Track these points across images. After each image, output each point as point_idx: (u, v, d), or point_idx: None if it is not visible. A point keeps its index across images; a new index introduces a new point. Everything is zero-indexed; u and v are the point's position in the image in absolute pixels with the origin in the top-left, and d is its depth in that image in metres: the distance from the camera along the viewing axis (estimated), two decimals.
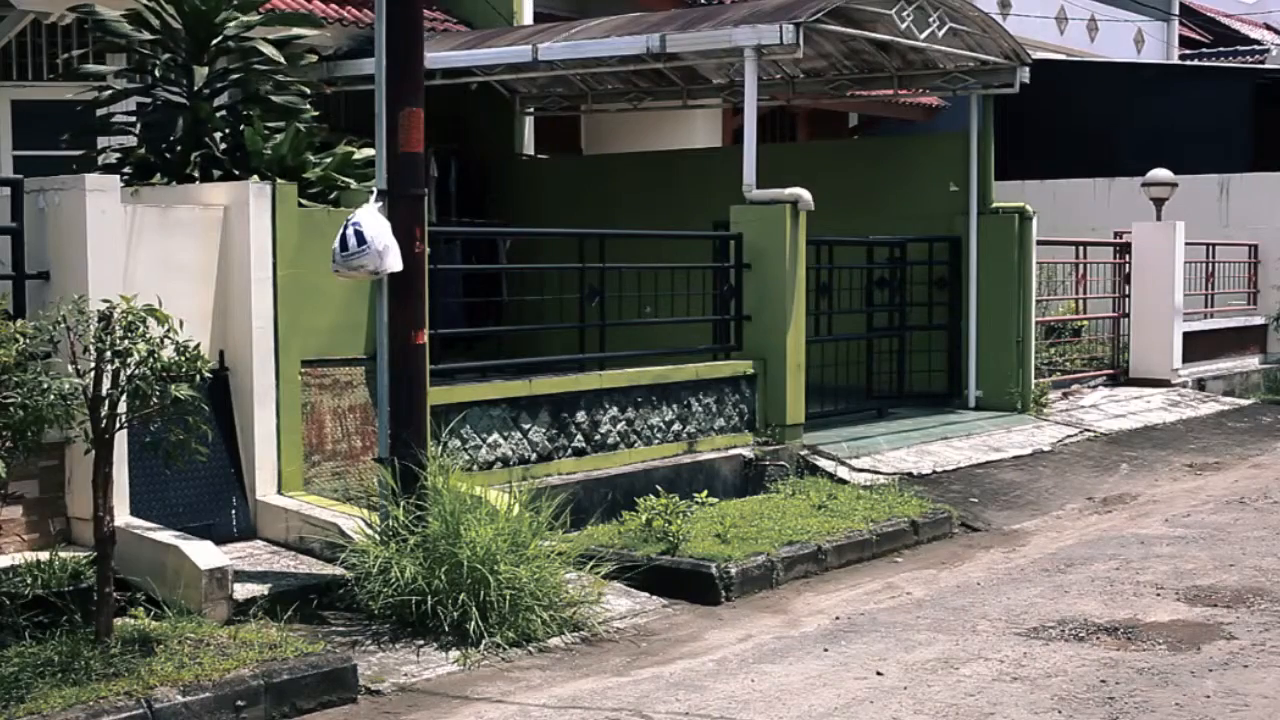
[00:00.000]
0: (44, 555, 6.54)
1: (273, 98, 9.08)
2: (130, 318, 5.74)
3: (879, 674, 6.37)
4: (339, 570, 7.09)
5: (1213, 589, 7.91)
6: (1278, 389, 17.51)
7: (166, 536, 6.83)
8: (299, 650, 6.01)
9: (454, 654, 6.55)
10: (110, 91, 9.17)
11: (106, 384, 5.74)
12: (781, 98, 15.15)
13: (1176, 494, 11.05)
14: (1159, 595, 7.79)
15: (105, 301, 5.81)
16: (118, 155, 9.01)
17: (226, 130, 8.89)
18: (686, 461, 10.09)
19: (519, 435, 9.19)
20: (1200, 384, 16.56)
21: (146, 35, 8.96)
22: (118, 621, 6.02)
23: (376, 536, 7.09)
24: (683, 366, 10.43)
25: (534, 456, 9.24)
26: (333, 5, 13.66)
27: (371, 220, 7.10)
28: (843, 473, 10.61)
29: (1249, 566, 8.44)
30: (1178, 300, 16.23)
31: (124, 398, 5.80)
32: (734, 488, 10.17)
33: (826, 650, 6.78)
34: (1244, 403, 16.31)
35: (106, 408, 5.78)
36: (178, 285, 7.47)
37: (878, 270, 12.99)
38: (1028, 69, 12.96)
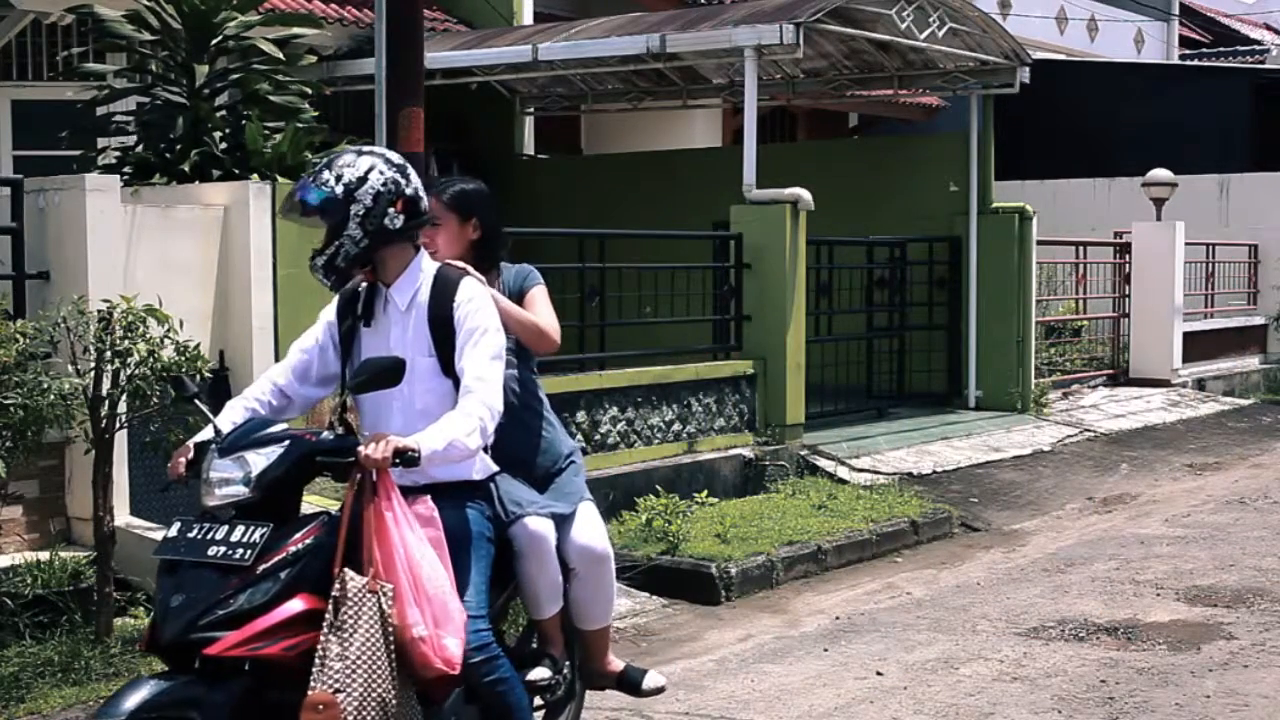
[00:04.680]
0: (44, 555, 6.53)
1: (272, 97, 9.07)
2: (130, 318, 5.75)
3: (879, 674, 6.37)
4: None
5: (1213, 589, 7.91)
6: (1278, 389, 17.51)
7: None
8: None
9: None
10: (110, 91, 9.17)
11: (106, 384, 5.74)
12: (781, 98, 15.14)
13: (1176, 494, 11.05)
14: (1159, 595, 7.79)
15: (105, 301, 5.81)
16: (117, 155, 8.99)
17: (226, 130, 8.88)
18: (686, 461, 10.08)
19: None
20: (1200, 384, 16.55)
21: (146, 35, 8.95)
22: (118, 621, 6.02)
23: None
24: (683, 366, 10.42)
25: None
26: (333, 5, 13.65)
27: None
28: (843, 473, 10.60)
29: (1249, 566, 8.44)
30: (1178, 300, 16.22)
31: (124, 398, 5.80)
32: (734, 488, 10.17)
33: (826, 650, 6.78)
34: (1244, 403, 16.30)
35: (106, 408, 5.78)
36: (178, 285, 7.46)
37: (878, 270, 12.99)
38: (1028, 69, 12.96)
